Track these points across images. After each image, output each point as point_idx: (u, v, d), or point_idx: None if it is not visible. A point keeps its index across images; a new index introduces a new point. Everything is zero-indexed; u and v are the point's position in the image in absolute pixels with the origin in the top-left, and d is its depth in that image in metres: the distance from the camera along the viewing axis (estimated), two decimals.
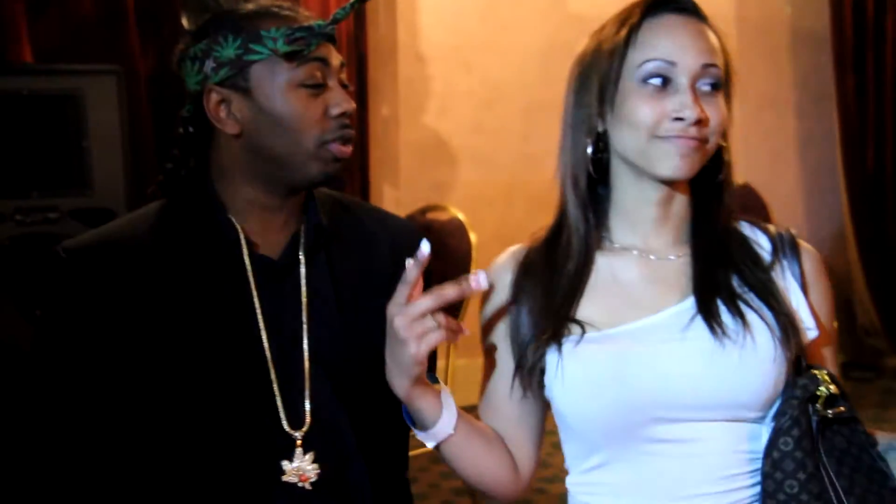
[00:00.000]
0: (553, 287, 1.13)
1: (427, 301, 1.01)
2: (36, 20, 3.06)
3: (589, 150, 1.12)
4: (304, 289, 1.23)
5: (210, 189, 1.22)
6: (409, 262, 1.02)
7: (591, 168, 1.12)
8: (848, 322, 4.55)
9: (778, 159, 4.62)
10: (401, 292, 1.02)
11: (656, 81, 1.07)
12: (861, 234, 4.42)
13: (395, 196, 4.10)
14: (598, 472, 1.11)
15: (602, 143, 1.12)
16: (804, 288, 1.14)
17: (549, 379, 1.10)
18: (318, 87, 1.17)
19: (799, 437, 1.03)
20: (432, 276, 1.13)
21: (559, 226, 1.17)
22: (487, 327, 1.19)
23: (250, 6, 1.20)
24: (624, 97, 1.08)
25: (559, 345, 1.09)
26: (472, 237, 3.43)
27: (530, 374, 1.11)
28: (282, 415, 1.19)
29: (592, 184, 1.14)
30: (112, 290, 1.15)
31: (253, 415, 1.18)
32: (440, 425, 1.08)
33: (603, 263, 1.15)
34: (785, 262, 1.15)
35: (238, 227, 1.21)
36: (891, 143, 4.32)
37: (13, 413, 1.36)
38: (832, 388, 1.06)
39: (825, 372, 1.08)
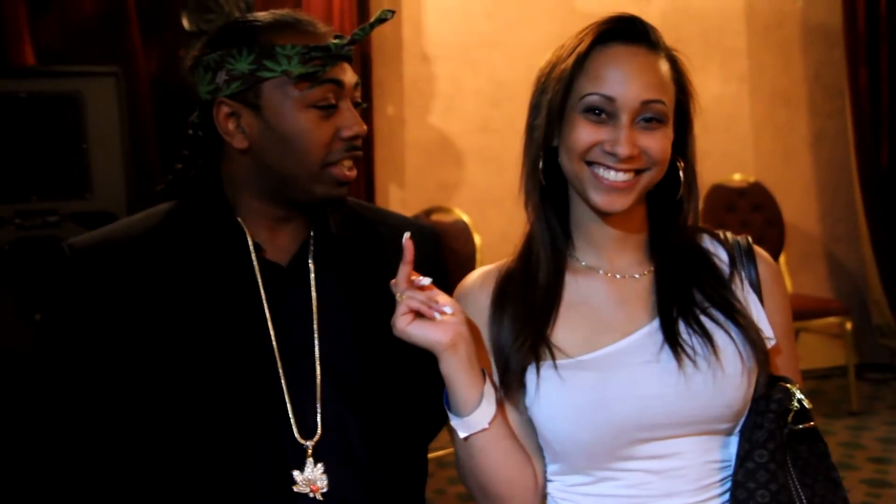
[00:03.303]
0: (530, 300, 1.15)
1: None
2: (38, 22, 3.05)
3: (541, 164, 1.16)
4: (314, 297, 1.21)
5: (221, 193, 1.21)
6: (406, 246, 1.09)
7: (542, 179, 1.16)
8: (863, 323, 4.49)
9: (790, 156, 4.56)
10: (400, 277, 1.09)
11: (595, 112, 1.10)
12: (875, 232, 4.34)
13: (401, 196, 4.07)
14: (582, 488, 1.14)
15: (553, 160, 1.16)
16: (760, 296, 1.17)
17: (529, 399, 1.12)
18: (330, 108, 1.15)
19: (773, 451, 1.08)
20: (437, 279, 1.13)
21: (529, 241, 1.20)
22: None
23: (267, 16, 1.17)
24: (568, 124, 1.12)
25: (537, 367, 1.11)
26: (477, 239, 3.39)
27: (515, 386, 1.12)
28: (293, 424, 1.17)
29: (557, 201, 1.18)
30: (116, 291, 1.14)
31: (263, 423, 1.16)
32: (476, 415, 1.09)
33: (573, 284, 1.17)
34: (742, 273, 1.18)
35: (246, 230, 1.19)
36: None
37: (11, 415, 1.33)
38: (805, 402, 1.11)
39: (797, 386, 1.12)
